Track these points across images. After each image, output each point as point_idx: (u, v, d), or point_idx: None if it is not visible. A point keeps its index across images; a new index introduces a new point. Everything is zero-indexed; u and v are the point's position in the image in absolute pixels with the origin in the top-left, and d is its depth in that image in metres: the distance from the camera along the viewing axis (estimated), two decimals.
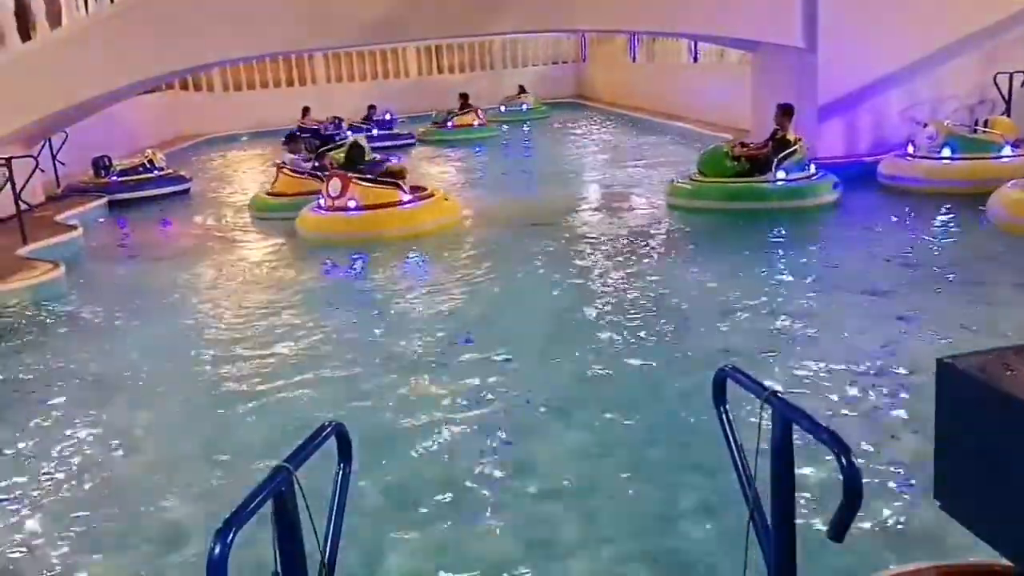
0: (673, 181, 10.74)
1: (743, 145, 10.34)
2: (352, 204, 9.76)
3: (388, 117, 20.29)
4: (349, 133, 16.86)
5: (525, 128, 21.60)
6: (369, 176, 10.32)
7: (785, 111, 10.01)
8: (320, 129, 17.50)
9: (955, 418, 1.92)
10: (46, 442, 5.01)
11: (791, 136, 9.90)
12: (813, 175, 9.95)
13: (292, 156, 12.25)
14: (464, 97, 20.82)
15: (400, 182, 10.13)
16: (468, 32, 20.60)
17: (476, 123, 20.24)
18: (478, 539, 3.76)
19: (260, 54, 17.88)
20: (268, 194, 11.96)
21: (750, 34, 11.94)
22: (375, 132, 18.71)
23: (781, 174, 9.74)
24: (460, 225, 10.24)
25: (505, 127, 21.24)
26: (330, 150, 12.81)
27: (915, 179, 10.17)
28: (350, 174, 10.15)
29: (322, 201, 10.01)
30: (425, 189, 10.46)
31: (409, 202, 9.92)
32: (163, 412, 5.41)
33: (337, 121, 18.85)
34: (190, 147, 21.30)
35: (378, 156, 12.97)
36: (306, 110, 20.19)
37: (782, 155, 9.75)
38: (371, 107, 20.55)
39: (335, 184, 9.90)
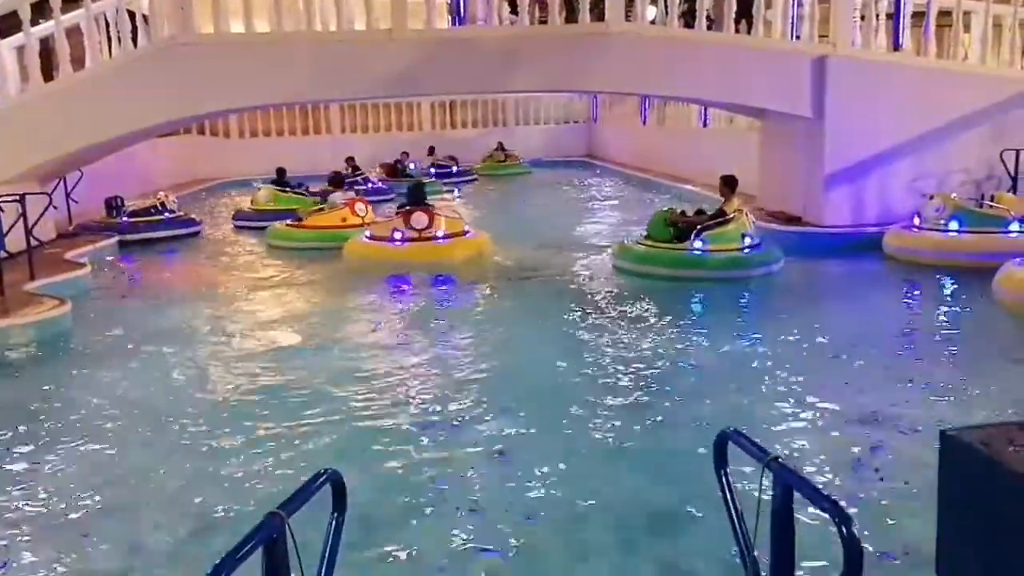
0: (623, 242, 10.71)
1: (699, 212, 10.45)
2: (441, 234, 11.06)
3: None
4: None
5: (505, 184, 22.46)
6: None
7: (726, 182, 10.15)
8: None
9: (958, 491, 1.90)
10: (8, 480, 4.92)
11: (730, 207, 9.96)
12: (748, 247, 9.83)
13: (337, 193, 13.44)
14: (405, 155, 22.18)
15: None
16: (482, 90, 20.97)
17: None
18: None
19: (277, 103, 18.22)
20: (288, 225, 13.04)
21: (759, 102, 12.12)
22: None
23: (698, 243, 9.70)
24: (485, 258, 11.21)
25: (449, 188, 21.18)
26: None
27: (920, 251, 10.18)
28: (433, 209, 11.43)
29: (397, 234, 10.96)
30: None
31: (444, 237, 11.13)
32: (145, 453, 5.30)
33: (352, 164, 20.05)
34: (204, 190, 21.48)
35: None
36: (350, 159, 20.55)
37: (703, 225, 9.78)
38: (404, 154, 22.38)
39: (420, 217, 11.03)
